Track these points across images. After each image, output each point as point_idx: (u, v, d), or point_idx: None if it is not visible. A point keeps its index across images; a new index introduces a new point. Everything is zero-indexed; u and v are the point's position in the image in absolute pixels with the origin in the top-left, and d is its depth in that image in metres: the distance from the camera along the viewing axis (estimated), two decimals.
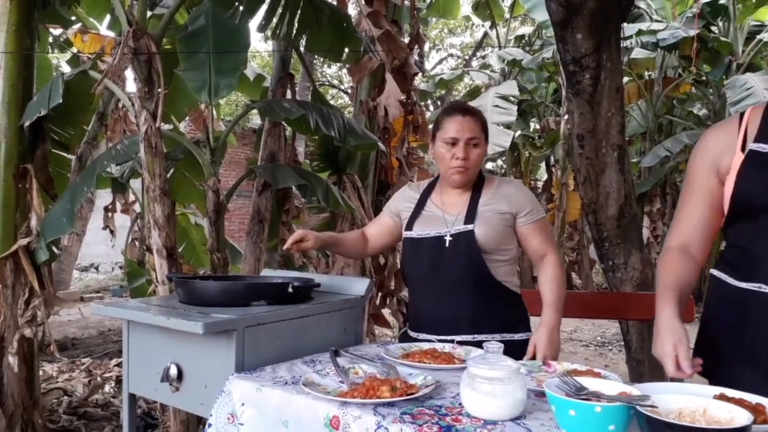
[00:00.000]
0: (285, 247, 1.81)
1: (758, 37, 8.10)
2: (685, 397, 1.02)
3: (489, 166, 13.42)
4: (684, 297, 1.39)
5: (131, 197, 4.68)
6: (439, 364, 1.41)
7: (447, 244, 1.76)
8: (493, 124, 7.56)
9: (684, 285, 1.40)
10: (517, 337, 1.76)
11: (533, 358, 1.62)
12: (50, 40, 4.30)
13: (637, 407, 0.94)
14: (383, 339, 5.30)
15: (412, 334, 1.84)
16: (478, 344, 1.61)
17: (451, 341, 1.70)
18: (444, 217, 1.82)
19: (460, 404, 1.14)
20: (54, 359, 4.55)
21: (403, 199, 1.97)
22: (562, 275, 1.79)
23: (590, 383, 1.08)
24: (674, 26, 7.98)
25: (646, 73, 9.44)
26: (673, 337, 1.28)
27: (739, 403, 1.05)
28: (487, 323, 1.73)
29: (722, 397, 1.10)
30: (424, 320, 1.81)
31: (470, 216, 1.78)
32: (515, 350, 1.55)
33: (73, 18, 4.16)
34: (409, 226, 1.88)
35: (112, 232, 4.79)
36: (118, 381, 4.19)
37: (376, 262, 4.08)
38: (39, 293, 2.95)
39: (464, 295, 1.75)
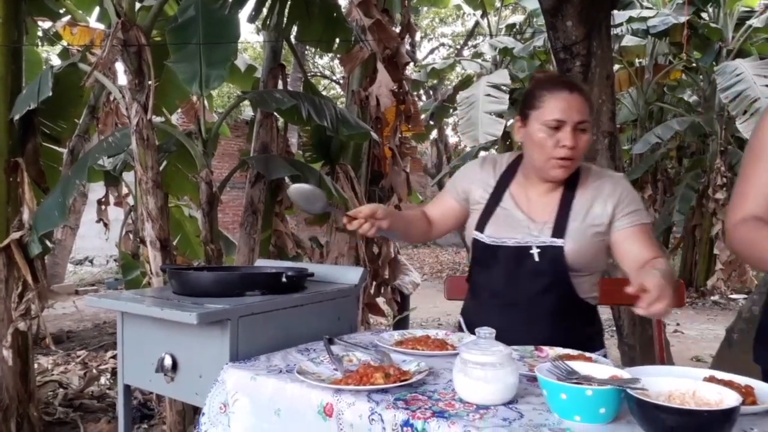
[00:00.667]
0: (355, 226, 1.47)
1: (748, 22, 8.12)
2: (675, 379, 1.04)
3: (482, 155, 13.41)
4: None
5: (124, 190, 4.66)
6: (432, 350, 1.42)
7: (528, 257, 1.47)
8: (485, 113, 7.57)
9: None
10: (594, 356, 1.43)
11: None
12: (39, 33, 4.25)
13: (628, 390, 0.95)
14: (378, 327, 5.32)
15: None
16: None
17: None
18: (527, 222, 1.51)
19: (453, 390, 1.15)
20: (49, 352, 4.55)
21: (474, 181, 1.62)
22: (672, 272, 1.36)
23: (581, 367, 1.09)
24: (664, 13, 7.99)
25: (636, 60, 9.46)
26: None
27: (729, 384, 1.06)
28: (562, 343, 1.42)
29: (712, 379, 1.11)
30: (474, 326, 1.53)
31: (560, 227, 1.47)
32: None
33: (62, 10, 4.12)
34: (480, 226, 1.56)
35: (105, 225, 4.78)
36: (114, 373, 4.20)
37: (370, 252, 4.09)
38: (32, 286, 2.94)
39: (541, 314, 1.49)
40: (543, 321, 1.49)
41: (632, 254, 1.46)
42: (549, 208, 1.51)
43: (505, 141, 10.20)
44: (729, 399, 0.94)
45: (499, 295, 1.54)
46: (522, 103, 1.53)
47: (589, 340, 1.53)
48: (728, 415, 0.90)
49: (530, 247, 1.47)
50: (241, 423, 1.29)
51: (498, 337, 1.40)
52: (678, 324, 6.73)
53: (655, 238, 1.52)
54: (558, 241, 1.46)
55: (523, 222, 1.52)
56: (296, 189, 1.50)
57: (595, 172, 1.56)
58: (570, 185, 1.51)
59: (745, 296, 7.50)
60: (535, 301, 1.49)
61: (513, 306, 1.51)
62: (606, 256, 1.55)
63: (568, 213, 1.48)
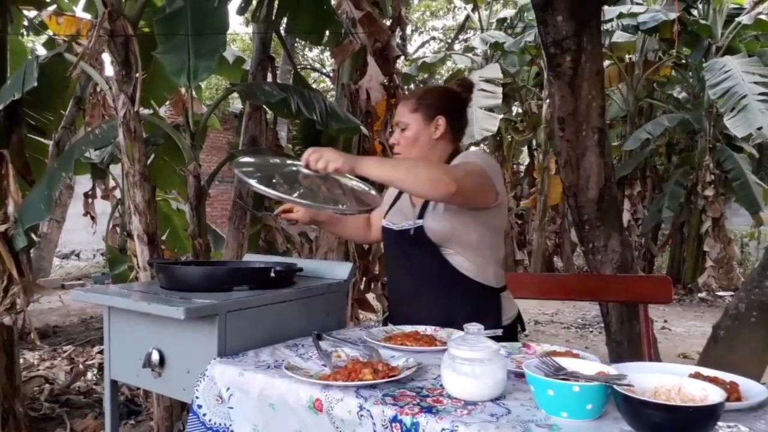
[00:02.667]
0: (276, 213, 1.82)
1: (737, 19, 8.18)
2: (660, 375, 1.04)
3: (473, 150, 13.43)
4: None
5: (111, 183, 4.61)
6: (421, 346, 1.42)
7: (403, 238, 1.69)
8: (479, 108, 7.56)
9: None
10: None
11: None
12: (24, 22, 4.19)
13: (614, 386, 0.96)
14: (367, 323, 5.33)
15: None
16: None
17: None
18: (410, 208, 1.73)
19: (441, 386, 1.15)
20: (35, 347, 4.51)
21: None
22: (429, 167, 1.49)
23: (569, 363, 1.10)
24: (654, 9, 8.03)
25: (626, 56, 9.49)
26: None
27: (714, 381, 1.07)
28: (447, 321, 1.58)
29: (697, 376, 1.12)
30: (393, 314, 1.78)
31: (424, 209, 1.66)
32: None
33: None
34: (387, 214, 1.81)
35: (92, 218, 4.73)
36: (101, 368, 4.17)
37: (359, 247, 4.08)
38: (18, 280, 2.91)
39: (424, 292, 1.67)
40: (425, 298, 1.67)
41: None
42: None
43: (495, 136, 10.23)
44: (713, 395, 0.95)
45: (393, 273, 1.78)
46: None
47: (480, 318, 1.46)
48: (712, 410, 0.91)
49: (407, 230, 1.67)
50: (243, 417, 1.28)
51: (396, 313, 1.73)
52: (666, 321, 6.80)
53: (464, 168, 1.57)
54: (419, 222, 1.65)
55: (408, 208, 1.74)
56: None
57: (461, 155, 1.72)
58: None
59: (732, 293, 7.58)
60: (414, 278, 1.68)
61: (402, 282, 1.72)
62: (485, 230, 1.64)
63: None
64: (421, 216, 1.66)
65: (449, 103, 1.75)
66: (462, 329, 1.50)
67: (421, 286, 1.68)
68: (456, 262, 1.64)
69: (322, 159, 1.44)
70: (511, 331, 1.71)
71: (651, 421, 0.91)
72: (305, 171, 1.48)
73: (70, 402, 3.63)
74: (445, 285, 1.65)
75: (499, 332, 1.50)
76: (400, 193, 1.81)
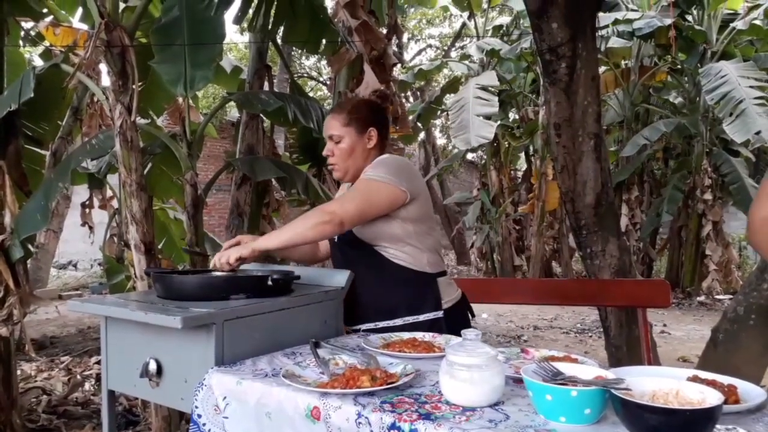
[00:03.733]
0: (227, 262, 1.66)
1: (731, 24, 8.22)
2: (658, 379, 1.04)
3: (470, 157, 13.47)
4: None
5: (109, 193, 4.61)
6: (419, 353, 1.42)
7: (342, 243, 1.84)
8: (476, 116, 7.57)
9: None
10: (422, 318, 1.74)
11: None
12: (21, 33, 4.20)
13: (612, 390, 0.95)
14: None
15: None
16: (381, 330, 1.70)
17: (357, 330, 1.76)
18: None
19: (439, 392, 1.14)
20: (32, 358, 4.49)
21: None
22: (309, 217, 1.69)
23: (567, 368, 1.09)
24: (650, 15, 8.07)
25: (622, 61, 9.54)
26: None
27: (712, 384, 1.07)
28: (390, 310, 1.75)
29: (695, 379, 1.12)
30: (347, 316, 1.82)
31: None
32: (423, 331, 1.62)
33: (45, 10, 4.08)
34: None
35: (90, 228, 4.72)
36: (98, 378, 4.15)
37: None
38: (14, 291, 2.90)
39: (367, 288, 1.77)
40: (364, 291, 1.76)
41: None
42: None
43: (493, 142, 10.25)
44: (711, 398, 0.94)
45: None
46: None
47: (418, 304, 1.75)
48: (710, 413, 0.90)
49: (342, 237, 1.81)
50: (238, 426, 1.27)
51: (356, 312, 1.78)
52: (665, 325, 6.79)
53: (358, 190, 1.74)
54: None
55: None
56: None
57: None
58: None
59: (731, 297, 7.58)
60: (361, 274, 1.76)
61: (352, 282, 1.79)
62: (403, 226, 1.76)
63: None
64: None
65: (377, 115, 1.89)
66: (405, 316, 1.74)
67: (365, 283, 1.78)
68: (391, 255, 1.77)
69: (225, 255, 1.62)
70: (456, 315, 1.80)
71: (649, 425, 0.91)
72: (219, 273, 1.63)
73: (68, 413, 3.61)
74: (385, 278, 1.77)
75: (440, 314, 1.76)
76: None
